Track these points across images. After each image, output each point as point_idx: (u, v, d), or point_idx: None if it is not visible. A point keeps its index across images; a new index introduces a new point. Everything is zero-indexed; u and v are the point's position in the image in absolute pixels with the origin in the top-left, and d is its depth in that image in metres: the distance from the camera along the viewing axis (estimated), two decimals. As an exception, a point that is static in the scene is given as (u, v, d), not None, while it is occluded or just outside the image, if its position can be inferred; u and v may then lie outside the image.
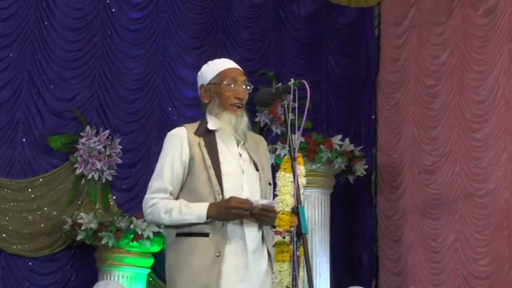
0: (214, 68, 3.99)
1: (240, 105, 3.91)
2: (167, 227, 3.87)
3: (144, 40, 8.56)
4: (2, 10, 7.84)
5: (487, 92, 8.12)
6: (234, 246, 3.74)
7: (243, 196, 3.77)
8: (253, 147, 3.97)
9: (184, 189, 3.85)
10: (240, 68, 4.02)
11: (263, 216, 3.71)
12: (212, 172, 3.80)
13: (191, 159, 3.84)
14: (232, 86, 3.90)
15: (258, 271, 3.77)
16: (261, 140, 4.11)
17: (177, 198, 3.85)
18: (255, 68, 8.86)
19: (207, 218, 3.71)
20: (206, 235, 3.72)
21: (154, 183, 3.88)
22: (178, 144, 3.90)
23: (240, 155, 3.90)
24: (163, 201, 3.81)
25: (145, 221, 3.91)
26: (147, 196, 3.90)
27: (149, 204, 3.86)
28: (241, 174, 3.86)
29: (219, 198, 3.76)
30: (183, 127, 3.98)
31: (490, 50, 8.19)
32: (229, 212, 3.68)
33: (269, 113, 8.81)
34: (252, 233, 3.79)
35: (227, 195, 3.75)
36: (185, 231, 3.77)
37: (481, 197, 8.02)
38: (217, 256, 3.69)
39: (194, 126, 3.97)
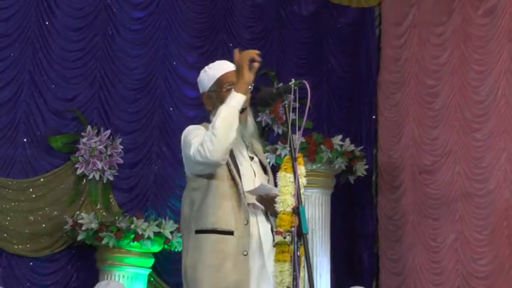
0: (211, 74, 3.97)
1: (243, 108, 3.86)
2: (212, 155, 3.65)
3: (145, 40, 8.57)
4: (3, 10, 7.85)
5: (487, 92, 8.14)
6: (254, 245, 3.77)
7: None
8: (260, 151, 4.01)
9: (206, 186, 3.79)
10: None
11: (270, 204, 3.71)
12: (234, 170, 3.81)
13: None
14: (231, 90, 3.84)
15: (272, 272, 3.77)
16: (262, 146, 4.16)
17: (196, 194, 3.80)
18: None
19: (236, 91, 3.73)
20: (231, 233, 3.72)
21: (195, 140, 3.70)
22: (201, 128, 3.85)
23: (251, 158, 3.93)
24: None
25: (210, 161, 3.63)
26: (193, 149, 3.67)
27: (198, 146, 3.65)
28: (253, 176, 3.89)
29: (243, 195, 3.76)
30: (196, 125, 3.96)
31: (490, 50, 8.20)
32: (239, 65, 3.73)
33: (270, 113, 8.81)
34: (266, 233, 3.82)
35: (246, 195, 3.77)
36: (207, 228, 3.73)
37: (481, 197, 8.03)
38: (245, 255, 3.70)
39: (207, 126, 3.92)
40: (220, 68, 3.99)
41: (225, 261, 3.68)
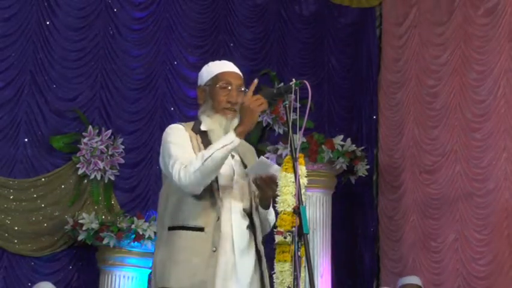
0: (211, 69, 4.00)
1: (232, 109, 3.87)
2: (199, 179, 3.66)
3: (146, 40, 8.58)
4: (3, 10, 7.85)
5: (487, 92, 8.15)
6: (225, 243, 3.74)
7: (234, 194, 3.79)
8: (243, 151, 3.96)
9: None
10: (238, 72, 4.00)
11: (267, 185, 3.68)
12: None
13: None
14: (225, 89, 3.89)
15: (244, 271, 3.74)
16: (250, 149, 4.07)
17: (171, 191, 3.79)
18: (257, 68, 8.86)
19: (236, 134, 3.69)
20: (201, 229, 3.70)
21: (178, 157, 3.73)
22: (183, 130, 3.89)
23: (233, 156, 3.88)
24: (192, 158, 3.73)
25: (185, 189, 3.67)
26: (176, 167, 3.70)
27: (181, 168, 3.68)
28: (232, 174, 3.85)
29: (216, 193, 3.75)
30: (179, 123, 3.98)
31: (490, 50, 8.22)
32: (250, 109, 3.68)
33: (271, 113, 8.82)
34: (240, 231, 3.78)
35: (222, 191, 3.76)
36: (179, 224, 3.73)
37: (481, 197, 8.04)
38: (214, 251, 3.68)
39: (190, 124, 3.98)
40: (220, 66, 4.00)
41: (194, 257, 3.66)
